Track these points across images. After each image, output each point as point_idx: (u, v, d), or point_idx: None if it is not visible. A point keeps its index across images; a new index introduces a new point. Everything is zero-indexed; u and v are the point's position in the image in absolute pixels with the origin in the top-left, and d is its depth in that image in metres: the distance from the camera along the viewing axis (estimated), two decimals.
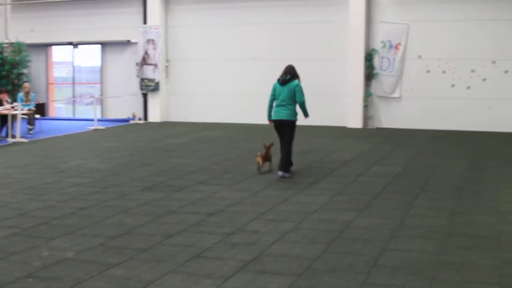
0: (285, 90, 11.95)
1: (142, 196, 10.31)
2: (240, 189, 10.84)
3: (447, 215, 8.83)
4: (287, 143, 12.08)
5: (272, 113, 12.18)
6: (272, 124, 12.30)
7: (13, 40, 24.93)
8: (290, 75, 12.06)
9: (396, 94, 20.61)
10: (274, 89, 12.14)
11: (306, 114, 12.30)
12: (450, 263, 6.69)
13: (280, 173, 11.92)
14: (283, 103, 11.97)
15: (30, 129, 19.81)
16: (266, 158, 12.59)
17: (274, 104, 12.16)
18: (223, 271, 6.49)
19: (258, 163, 12.41)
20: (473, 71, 19.69)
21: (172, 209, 9.36)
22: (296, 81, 12.03)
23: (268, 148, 12.67)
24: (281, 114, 12.01)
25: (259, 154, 12.56)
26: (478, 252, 7.08)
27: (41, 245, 7.48)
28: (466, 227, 8.20)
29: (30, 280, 6.28)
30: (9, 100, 19.90)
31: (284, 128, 12.09)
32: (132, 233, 8.04)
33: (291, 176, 12.01)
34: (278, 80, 12.14)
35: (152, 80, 23.21)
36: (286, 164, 11.99)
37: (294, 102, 12.01)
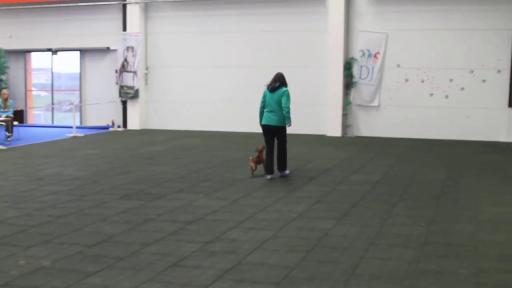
0: (274, 96, 12.48)
1: (121, 204, 10.26)
2: (219, 197, 10.82)
3: (425, 224, 8.86)
4: (282, 144, 12.75)
5: (263, 119, 12.71)
6: (262, 128, 12.85)
7: None
8: (279, 82, 12.55)
9: (375, 103, 20.70)
10: (264, 96, 12.66)
11: (288, 121, 12.61)
12: (428, 272, 6.72)
13: (279, 172, 12.72)
14: (273, 109, 12.51)
15: (8, 136, 19.68)
16: (259, 161, 12.99)
17: (264, 110, 12.68)
18: (202, 279, 6.47)
19: (252, 167, 12.87)
20: (451, 80, 19.83)
21: (151, 217, 9.33)
22: (284, 88, 12.55)
23: (260, 152, 13.03)
24: (271, 120, 12.55)
25: (251, 158, 13.01)
26: (455, 261, 7.11)
27: (18, 254, 7.43)
28: (444, 236, 8.24)
29: None
30: None
31: (275, 134, 12.67)
32: (110, 241, 7.99)
33: (289, 174, 12.87)
34: (268, 87, 12.61)
35: (131, 88, 23.14)
36: (284, 162, 12.73)
37: (281, 108, 12.50)
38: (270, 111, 12.56)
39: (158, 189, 11.57)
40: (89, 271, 6.76)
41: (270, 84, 12.63)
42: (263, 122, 12.69)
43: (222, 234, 8.33)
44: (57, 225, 8.84)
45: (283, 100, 12.40)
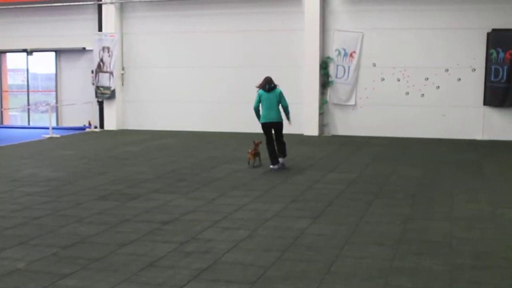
0: (271, 96, 13.79)
1: (97, 205, 10.22)
2: (196, 197, 10.82)
3: (401, 222, 8.91)
4: (281, 137, 13.99)
5: (262, 118, 13.87)
6: (262, 125, 13.98)
7: None
8: (273, 83, 13.92)
9: (351, 102, 20.77)
10: (259, 96, 13.83)
11: (289, 118, 14.20)
12: (403, 269, 6.76)
13: (280, 160, 13.87)
14: (272, 108, 13.77)
15: None
16: (256, 153, 14.15)
17: (260, 109, 13.85)
18: (176, 280, 6.46)
19: (249, 158, 14.12)
20: (427, 79, 19.94)
21: (127, 218, 9.30)
22: (279, 89, 14.02)
23: (257, 145, 14.15)
24: (273, 116, 13.80)
25: (249, 151, 14.16)
26: (430, 258, 7.16)
27: None
28: (420, 233, 8.29)
29: None
30: None
31: (276, 128, 13.89)
32: (85, 242, 7.96)
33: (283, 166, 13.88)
34: (264, 88, 13.82)
35: (108, 88, 23.05)
36: (284, 150, 13.99)
37: (278, 106, 13.88)
38: (269, 109, 13.75)
39: (134, 189, 11.54)
40: (64, 272, 6.73)
41: (265, 85, 13.83)
42: (264, 120, 13.83)
43: (198, 234, 8.32)
44: (32, 227, 8.79)
45: (283, 101, 13.91)
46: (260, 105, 13.84)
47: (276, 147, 13.91)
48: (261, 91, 13.84)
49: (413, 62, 20.07)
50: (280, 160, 13.87)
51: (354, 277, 6.53)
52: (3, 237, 8.27)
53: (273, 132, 13.95)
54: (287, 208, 9.86)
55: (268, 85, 13.83)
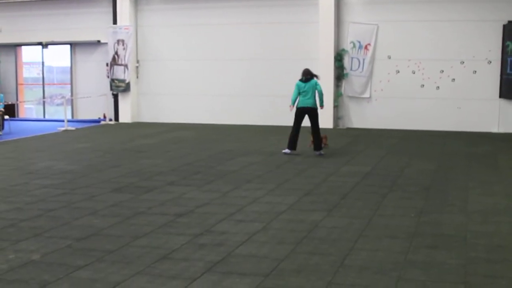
0: (308, 86, 14.89)
1: (111, 197, 10.26)
2: (210, 189, 10.83)
3: (415, 215, 8.89)
4: (317, 125, 15.04)
5: (298, 104, 15.01)
6: (295, 111, 15.15)
7: None
8: (309, 75, 15.05)
9: (366, 95, 20.73)
10: (298, 86, 14.99)
11: (322, 104, 15.43)
12: (416, 262, 6.75)
13: (317, 152, 14.94)
14: (309, 96, 14.90)
15: None
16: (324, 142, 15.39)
17: (299, 97, 15.00)
18: (190, 272, 6.48)
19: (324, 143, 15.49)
20: (442, 71, 19.87)
21: (141, 210, 9.33)
22: (315, 80, 15.08)
23: (324, 138, 15.42)
24: (309, 102, 14.91)
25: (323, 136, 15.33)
26: (444, 252, 7.14)
27: (8, 248, 7.42)
28: (434, 227, 8.27)
29: None
30: None
31: (311, 115, 14.97)
32: (99, 234, 8.00)
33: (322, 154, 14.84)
34: (301, 79, 15.02)
35: (122, 81, 23.11)
36: (320, 142, 15.04)
37: (314, 95, 14.99)
38: (306, 97, 14.87)
39: (149, 182, 11.57)
40: (79, 264, 6.77)
41: (303, 77, 15.03)
42: (301, 105, 14.94)
43: (212, 226, 8.34)
44: (47, 219, 8.84)
45: (319, 88, 14.99)
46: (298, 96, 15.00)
47: (314, 137, 15.03)
48: (299, 82, 15.01)
49: (428, 54, 19.99)
50: (317, 152, 14.90)
51: (367, 270, 6.52)
52: (18, 229, 8.33)
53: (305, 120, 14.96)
54: (301, 201, 9.86)
55: (304, 77, 14.97)
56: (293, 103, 15.13)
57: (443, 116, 19.95)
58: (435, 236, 7.80)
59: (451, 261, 6.80)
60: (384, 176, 12.02)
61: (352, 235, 7.84)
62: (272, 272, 6.47)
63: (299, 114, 15.03)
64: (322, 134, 15.18)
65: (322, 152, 14.88)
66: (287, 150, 14.98)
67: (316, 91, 14.97)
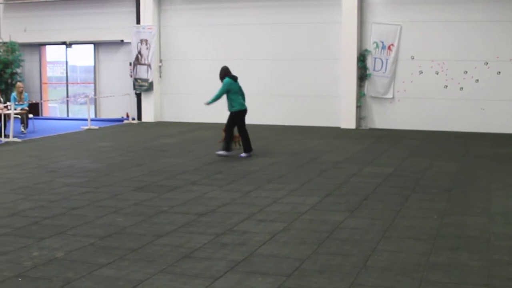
0: (238, 85, 14.60)
1: (134, 196, 10.31)
2: (232, 189, 10.86)
3: (437, 216, 8.85)
4: (245, 128, 14.62)
5: (237, 106, 14.52)
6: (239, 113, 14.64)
7: (6, 39, 24.92)
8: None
9: (389, 95, 20.66)
10: (230, 85, 14.43)
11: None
12: (439, 264, 6.72)
13: (244, 154, 14.54)
14: (242, 96, 14.66)
15: (23, 129, 19.79)
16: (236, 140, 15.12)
17: (232, 98, 14.48)
18: (213, 271, 6.50)
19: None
20: (466, 72, 19.75)
21: (163, 209, 9.37)
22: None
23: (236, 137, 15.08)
24: (244, 104, 14.64)
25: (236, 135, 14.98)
26: (467, 254, 7.10)
27: (32, 245, 7.49)
28: (456, 228, 8.23)
29: (20, 280, 6.29)
30: (2, 99, 19.90)
31: (244, 115, 14.68)
32: (122, 233, 8.05)
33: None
34: (233, 78, 14.52)
35: (145, 80, 23.20)
36: (250, 144, 14.69)
37: None
38: (241, 98, 14.60)
39: (171, 181, 11.62)
40: (102, 262, 6.81)
41: (232, 75, 14.60)
42: (240, 107, 14.53)
43: (234, 226, 8.36)
44: (70, 217, 8.91)
45: (241, 88, 14.68)
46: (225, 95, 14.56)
47: (241, 139, 14.70)
48: (229, 80, 14.44)
49: (451, 55, 19.88)
50: (244, 154, 14.56)
51: (389, 271, 6.50)
52: (42, 226, 8.40)
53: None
54: (323, 202, 9.85)
55: (234, 76, 14.56)
56: (214, 101, 14.72)
57: (467, 117, 19.83)
58: (457, 238, 7.76)
59: (474, 263, 6.76)
60: (406, 177, 11.97)
61: (374, 236, 7.82)
62: (294, 272, 6.48)
63: (242, 116, 14.64)
64: (235, 134, 14.99)
65: (247, 155, 14.57)
66: (223, 152, 14.54)
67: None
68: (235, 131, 14.93)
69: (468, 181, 11.64)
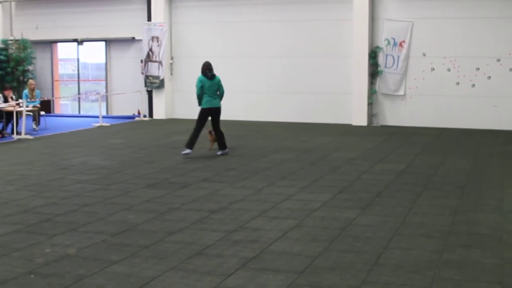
0: (214, 83, 14.22)
1: (146, 193, 10.33)
2: (244, 186, 10.86)
3: (449, 213, 8.82)
4: (219, 126, 14.49)
5: (204, 104, 14.27)
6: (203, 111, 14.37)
7: (18, 37, 24.99)
8: (213, 71, 14.27)
9: (400, 92, 20.59)
10: (203, 83, 14.14)
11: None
12: (451, 262, 6.69)
13: (220, 152, 14.44)
14: (214, 94, 14.25)
15: (35, 126, 19.86)
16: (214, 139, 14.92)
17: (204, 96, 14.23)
18: (224, 268, 6.50)
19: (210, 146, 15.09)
20: (478, 69, 19.66)
21: (175, 206, 9.38)
22: (218, 76, 14.41)
23: (210, 133, 14.93)
24: (215, 102, 14.31)
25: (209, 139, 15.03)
26: (479, 251, 7.07)
27: (44, 242, 7.52)
28: (469, 226, 8.19)
29: (32, 276, 6.31)
30: (14, 97, 19.97)
31: (217, 114, 14.42)
32: (134, 230, 8.06)
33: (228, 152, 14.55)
34: (206, 75, 14.16)
35: (157, 77, 23.23)
36: (225, 143, 14.56)
37: (217, 93, 14.39)
38: (211, 96, 14.19)
39: (182, 178, 11.63)
40: (113, 259, 6.83)
41: (208, 72, 14.19)
42: (208, 106, 14.20)
43: (245, 223, 8.36)
44: (82, 214, 8.93)
45: (222, 88, 14.40)
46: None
47: (216, 138, 14.56)
48: (202, 78, 14.16)
49: (463, 52, 19.79)
50: (219, 152, 14.47)
51: (402, 268, 6.48)
52: (54, 223, 8.42)
53: (209, 119, 14.43)
54: (335, 199, 9.84)
55: (210, 73, 14.15)
56: (201, 102, 14.31)
57: (479, 114, 19.74)
58: (470, 235, 7.73)
59: (487, 261, 6.73)
60: (418, 174, 11.93)
61: (387, 233, 7.80)
62: (306, 269, 6.47)
63: (206, 115, 14.31)
64: (209, 129, 14.88)
65: (227, 150, 14.54)
66: (187, 151, 14.19)
67: (220, 92, 14.38)
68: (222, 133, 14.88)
69: (481, 178, 11.60)
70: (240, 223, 8.33)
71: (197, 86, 14.20)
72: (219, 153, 14.44)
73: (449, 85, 20.05)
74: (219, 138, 14.49)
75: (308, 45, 21.50)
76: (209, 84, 14.11)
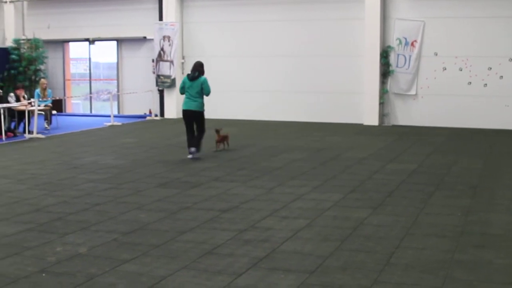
0: (194, 85, 13.65)
1: (157, 192, 10.34)
2: (255, 185, 10.85)
3: (462, 213, 8.78)
4: (200, 132, 13.90)
5: (182, 104, 13.88)
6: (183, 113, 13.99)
7: (30, 36, 25.07)
8: (198, 71, 13.72)
9: (412, 92, 20.53)
10: (184, 83, 13.78)
11: (203, 107, 14.05)
12: (463, 262, 6.66)
13: (192, 149, 13.73)
14: (193, 96, 13.67)
15: (47, 125, 19.91)
16: (221, 139, 14.98)
17: (184, 97, 13.85)
18: (235, 267, 6.50)
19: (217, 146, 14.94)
20: (490, 68, 19.57)
21: (186, 205, 9.38)
22: (203, 77, 13.78)
23: (217, 132, 14.91)
24: (192, 105, 13.70)
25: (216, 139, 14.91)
26: (492, 251, 7.04)
27: (55, 241, 7.53)
28: (481, 226, 8.16)
29: (43, 275, 6.33)
30: (26, 96, 20.03)
31: (194, 118, 13.80)
32: (145, 229, 8.06)
33: (199, 152, 13.93)
34: (188, 75, 13.78)
35: (168, 77, 23.25)
36: (198, 141, 13.89)
37: (202, 95, 13.79)
38: (190, 98, 13.69)
39: (194, 177, 11.63)
40: (125, 258, 6.83)
41: (191, 73, 13.77)
42: (183, 107, 13.80)
43: (256, 222, 8.35)
44: (93, 213, 8.94)
45: (205, 89, 13.70)
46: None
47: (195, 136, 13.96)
48: (185, 78, 13.88)
49: (475, 51, 19.70)
50: (192, 149, 13.80)
51: (413, 268, 6.46)
52: (65, 222, 8.44)
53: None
54: (346, 198, 9.81)
55: (192, 73, 13.73)
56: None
57: (491, 114, 19.64)
58: (482, 235, 7.69)
59: (499, 261, 6.69)
60: (430, 174, 11.89)
61: (398, 233, 7.77)
62: (317, 269, 6.45)
63: (184, 116, 13.94)
64: (224, 134, 14.99)
65: (196, 155, 13.77)
66: (191, 151, 13.76)
67: (204, 93, 13.78)
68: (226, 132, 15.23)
69: (493, 178, 11.54)
70: (251, 223, 8.32)
71: (180, 85, 14.09)
72: (189, 156, 13.80)
73: (461, 85, 19.96)
74: (196, 139, 13.90)
75: (319, 45, 21.46)
76: (189, 85, 13.68)
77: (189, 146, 13.84)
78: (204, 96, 13.92)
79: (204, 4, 23.05)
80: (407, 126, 20.21)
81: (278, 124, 21.01)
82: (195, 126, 13.92)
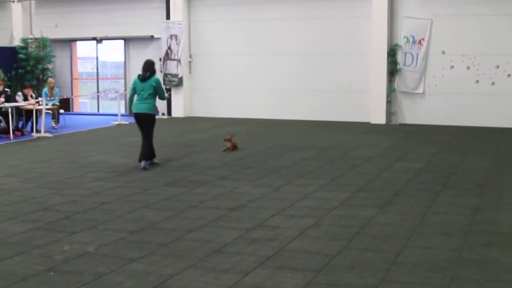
0: (146, 86, 12.60)
1: (164, 191, 10.35)
2: (262, 184, 10.85)
3: (469, 212, 8.77)
4: (147, 136, 12.71)
5: (133, 107, 12.78)
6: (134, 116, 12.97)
7: (37, 35, 25.12)
8: (149, 71, 12.70)
9: (419, 90, 20.49)
10: (135, 84, 12.73)
11: (155, 111, 13.05)
12: (471, 261, 6.65)
13: (143, 163, 12.51)
14: (144, 98, 12.57)
15: (55, 124, 19.95)
16: (233, 147, 14.72)
17: (134, 99, 12.77)
18: (242, 266, 6.51)
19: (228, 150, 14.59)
20: (497, 66, 19.50)
21: (194, 204, 9.39)
22: (155, 77, 12.80)
23: (228, 140, 14.68)
24: (141, 108, 12.60)
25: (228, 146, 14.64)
26: (499, 250, 7.03)
27: (63, 239, 7.56)
28: (488, 225, 8.14)
29: (51, 273, 6.35)
30: (33, 95, 20.07)
31: (145, 122, 12.69)
32: (153, 227, 8.08)
33: (153, 165, 12.74)
34: (138, 76, 12.73)
35: (175, 76, 23.27)
36: (148, 154, 12.63)
37: (154, 97, 12.73)
38: (140, 100, 12.60)
39: (201, 176, 11.64)
40: (132, 257, 6.85)
41: (142, 73, 12.72)
42: (134, 110, 12.73)
43: (264, 221, 8.35)
44: (101, 212, 8.96)
45: (160, 92, 12.79)
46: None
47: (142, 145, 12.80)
48: (136, 79, 12.76)
49: (483, 49, 19.64)
50: (143, 163, 12.53)
51: (421, 267, 6.45)
52: (73, 221, 8.46)
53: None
54: (353, 197, 9.81)
55: (142, 74, 12.66)
56: (130, 106, 12.98)
57: (498, 112, 19.59)
58: (490, 234, 7.68)
59: (507, 260, 6.68)
60: (437, 172, 11.87)
61: (405, 232, 7.77)
62: (325, 267, 6.45)
63: (136, 119, 12.79)
64: (234, 142, 14.76)
65: (147, 167, 12.42)
66: (143, 163, 12.50)
67: (159, 97, 12.81)
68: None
69: (501, 176, 11.52)
70: (258, 221, 8.33)
71: (131, 86, 12.96)
72: (142, 165, 12.50)
73: (468, 83, 19.91)
74: (145, 149, 12.63)
75: (326, 43, 21.43)
76: (140, 87, 12.57)
77: (140, 159, 12.60)
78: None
79: (211, 3, 23.05)
80: (415, 125, 20.17)
81: (285, 122, 21.00)
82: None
